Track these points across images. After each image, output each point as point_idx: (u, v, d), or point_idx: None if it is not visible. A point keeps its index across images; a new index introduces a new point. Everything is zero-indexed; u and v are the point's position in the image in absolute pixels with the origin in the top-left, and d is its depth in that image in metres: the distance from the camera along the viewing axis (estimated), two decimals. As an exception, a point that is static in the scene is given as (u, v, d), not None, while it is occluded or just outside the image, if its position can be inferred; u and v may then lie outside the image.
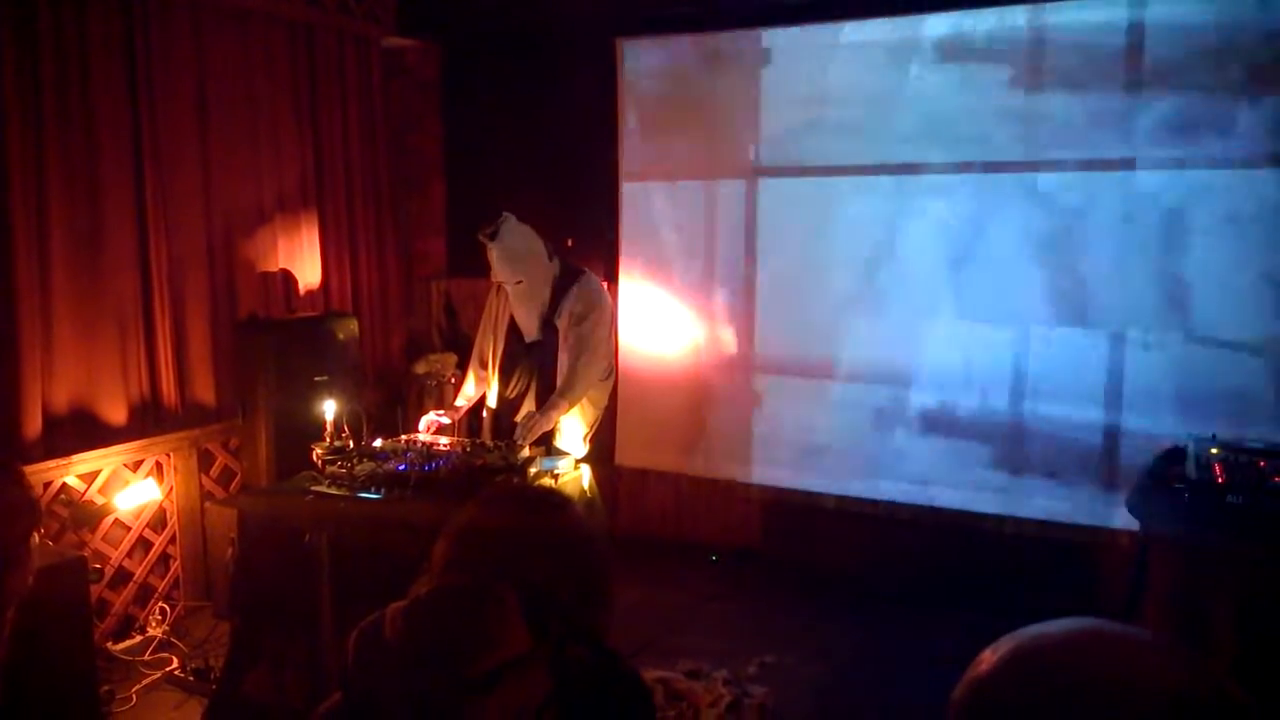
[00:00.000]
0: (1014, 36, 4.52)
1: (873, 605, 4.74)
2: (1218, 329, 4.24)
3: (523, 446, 3.77)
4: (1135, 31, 4.28)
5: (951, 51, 4.66)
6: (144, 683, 3.99)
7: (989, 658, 0.86)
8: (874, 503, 5.00)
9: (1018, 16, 4.51)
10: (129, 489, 4.32)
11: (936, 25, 4.69)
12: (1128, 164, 4.35)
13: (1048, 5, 4.43)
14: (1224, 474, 3.01)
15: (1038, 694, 0.81)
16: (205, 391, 4.71)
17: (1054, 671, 0.82)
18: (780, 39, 5.03)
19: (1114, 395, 4.45)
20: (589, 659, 1.26)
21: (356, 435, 3.80)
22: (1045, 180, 4.50)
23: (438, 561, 1.34)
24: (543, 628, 1.21)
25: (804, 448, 5.14)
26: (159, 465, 4.50)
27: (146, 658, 4.19)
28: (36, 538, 1.78)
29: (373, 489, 3.45)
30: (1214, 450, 3.20)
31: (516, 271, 4.09)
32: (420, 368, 5.61)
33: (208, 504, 4.64)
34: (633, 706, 1.32)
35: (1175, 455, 3.35)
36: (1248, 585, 2.87)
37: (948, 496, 4.81)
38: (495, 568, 1.28)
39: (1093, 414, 4.49)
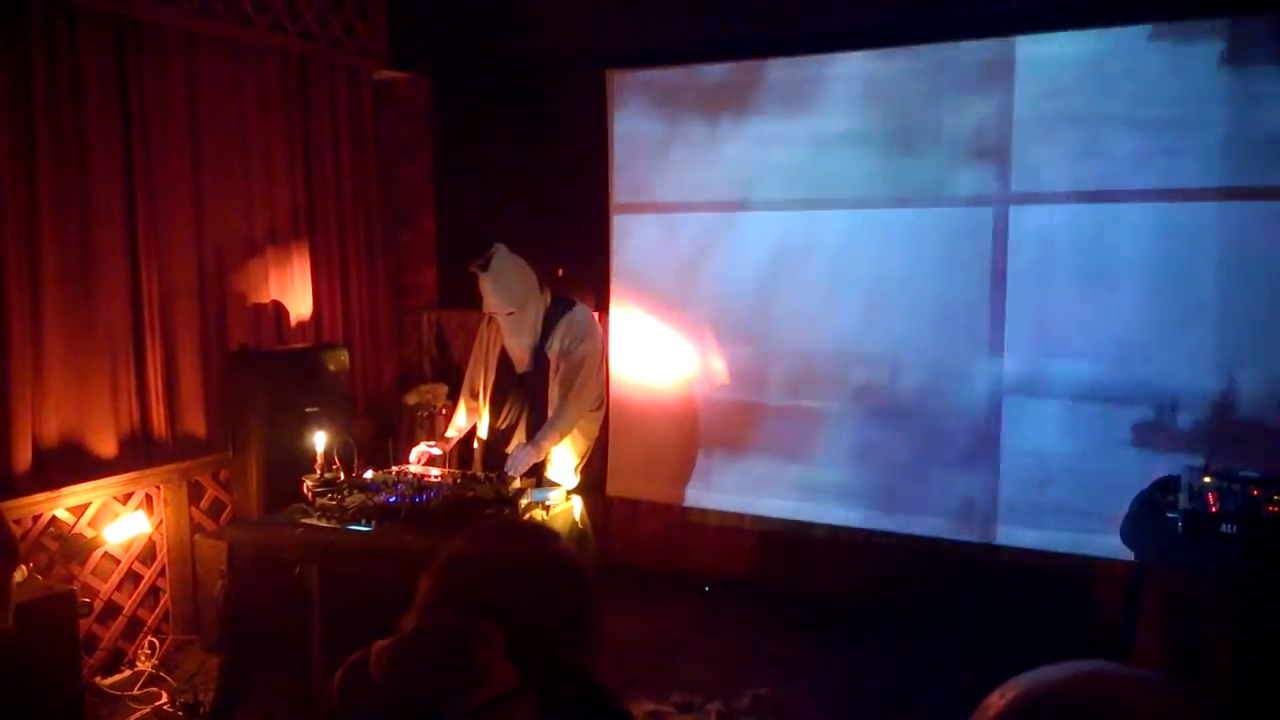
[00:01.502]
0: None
1: (868, 636, 4.71)
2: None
3: (514, 478, 3.76)
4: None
5: (948, 78, 4.70)
6: (133, 718, 3.95)
7: (996, 702, 0.86)
8: (868, 532, 4.99)
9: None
10: (119, 522, 4.29)
11: (927, 54, 4.74)
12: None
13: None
14: (1217, 503, 3.01)
15: None
16: (196, 423, 4.69)
17: (1062, 715, 0.82)
18: (771, 71, 5.07)
19: (1106, 422, 4.46)
20: (577, 696, 1.25)
21: (347, 467, 3.79)
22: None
23: (423, 598, 1.33)
24: (530, 665, 1.20)
25: (798, 477, 5.13)
26: (149, 498, 4.47)
27: (135, 692, 4.15)
28: (18, 576, 1.76)
29: (363, 521, 3.44)
30: (1207, 479, 3.20)
31: (508, 302, 4.10)
32: (411, 399, 5.60)
33: (198, 537, 4.60)
34: None
35: (1168, 484, 3.36)
36: (1242, 614, 2.87)
37: (943, 526, 4.80)
38: (482, 604, 1.27)
39: (1086, 441, 4.50)
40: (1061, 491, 4.54)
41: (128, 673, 4.30)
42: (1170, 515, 3.07)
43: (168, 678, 4.26)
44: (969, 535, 4.75)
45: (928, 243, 4.79)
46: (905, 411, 4.88)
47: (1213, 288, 4.25)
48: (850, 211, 4.96)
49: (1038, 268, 4.57)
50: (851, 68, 4.90)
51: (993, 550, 4.70)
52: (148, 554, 4.48)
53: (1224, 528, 2.94)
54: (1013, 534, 4.65)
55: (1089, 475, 4.47)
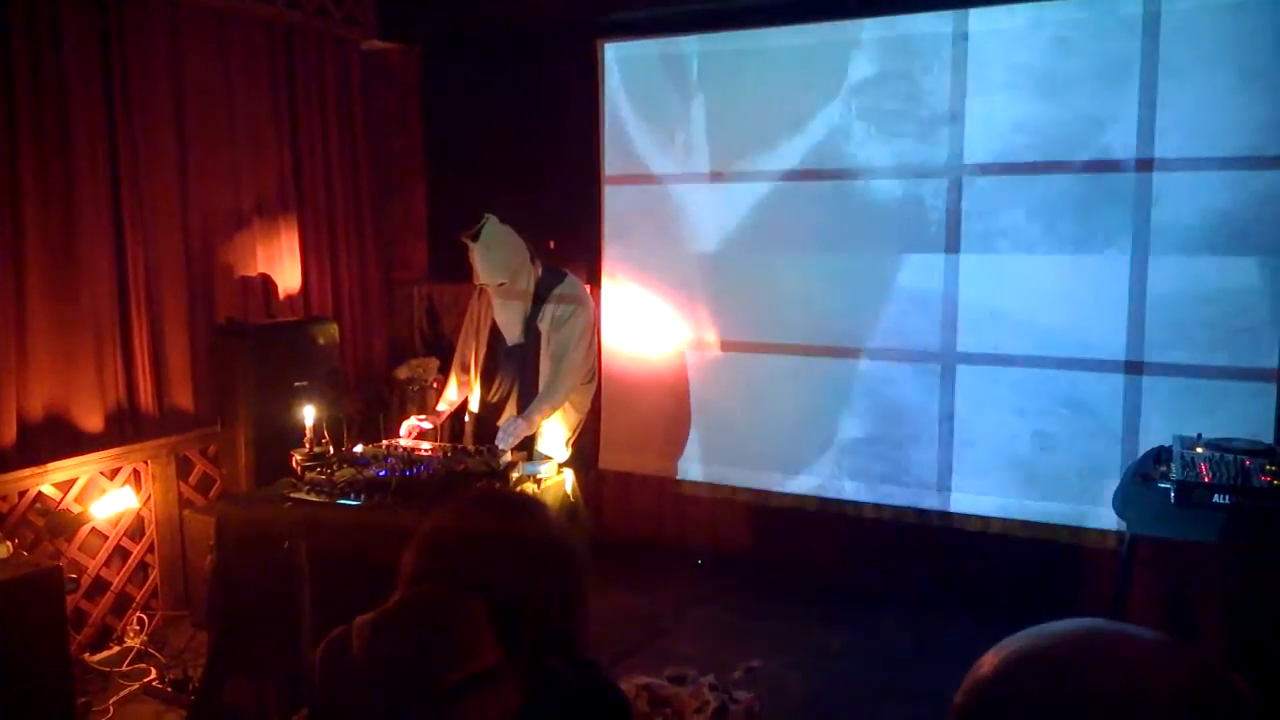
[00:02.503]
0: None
1: (859, 608, 4.72)
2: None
3: (504, 451, 3.74)
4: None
5: (925, 50, 4.66)
6: (122, 694, 3.93)
7: (991, 660, 0.85)
8: (860, 505, 4.99)
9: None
10: (106, 497, 4.26)
11: (912, 23, 4.70)
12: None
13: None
14: (1209, 473, 3.00)
15: (1043, 695, 0.80)
16: (183, 398, 4.66)
17: (1059, 672, 0.81)
18: (761, 40, 5.02)
19: (1101, 398, 4.45)
20: (563, 670, 1.22)
21: (337, 441, 3.76)
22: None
23: (406, 571, 1.30)
24: (514, 638, 1.18)
25: (790, 451, 5.12)
26: (136, 473, 4.44)
27: (124, 668, 4.13)
28: (1, 552, 1.74)
29: (353, 495, 3.41)
30: (1199, 449, 3.19)
31: (498, 273, 4.07)
32: (402, 373, 5.57)
33: (186, 512, 4.58)
34: (608, 718, 1.27)
35: (1160, 455, 3.35)
36: (1234, 584, 2.86)
37: (935, 499, 4.80)
38: (465, 577, 1.24)
39: (1080, 415, 4.49)
40: (1036, 460, 4.56)
41: (116, 649, 4.29)
42: (1162, 485, 3.07)
43: (157, 654, 4.24)
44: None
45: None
46: (876, 383, 4.91)
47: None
48: (828, 183, 4.95)
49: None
50: (824, 37, 4.89)
51: (986, 521, 4.70)
52: (136, 529, 4.46)
53: (1216, 498, 2.93)
54: (1006, 505, 4.65)
55: (1064, 445, 4.50)
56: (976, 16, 4.56)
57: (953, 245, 4.68)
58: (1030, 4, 4.45)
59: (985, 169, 4.61)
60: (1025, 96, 4.49)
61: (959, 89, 4.61)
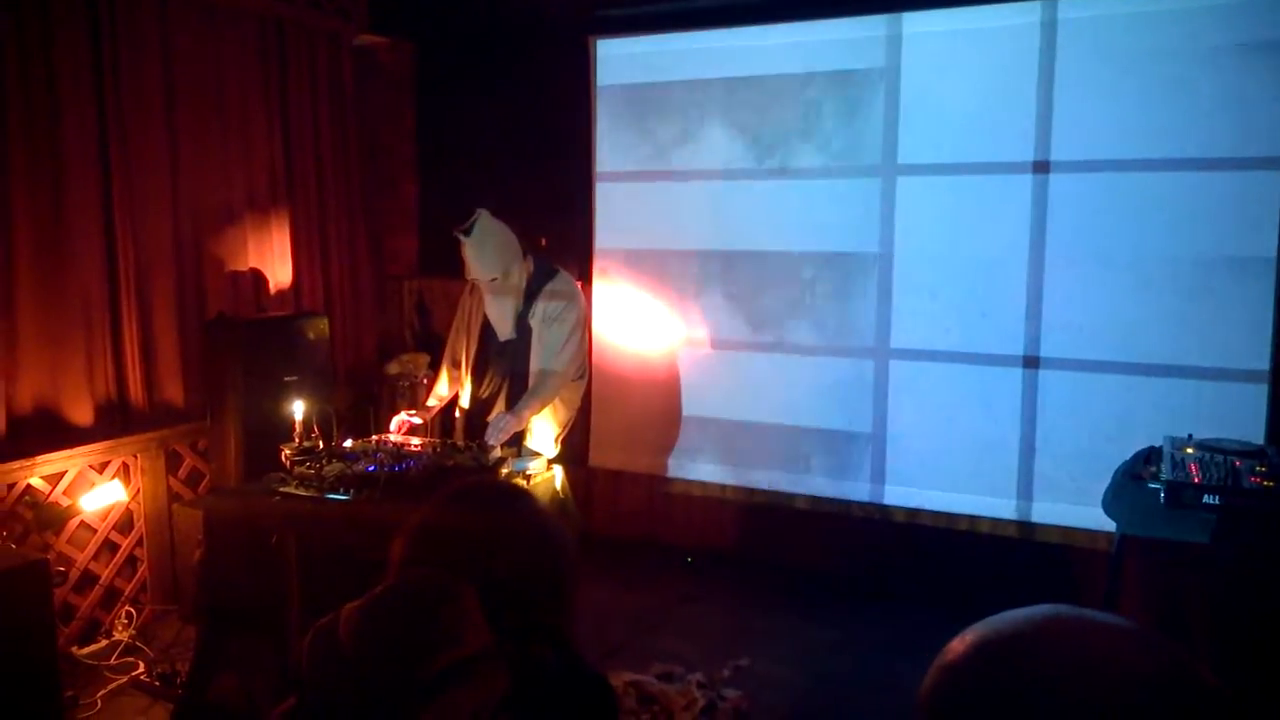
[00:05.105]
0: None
1: (848, 607, 4.72)
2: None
3: (494, 447, 3.73)
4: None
5: (925, 48, 4.66)
6: (109, 688, 3.91)
7: (958, 646, 0.85)
8: (849, 503, 4.98)
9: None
10: (95, 490, 4.24)
11: (916, 22, 4.70)
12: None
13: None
14: (1199, 473, 3.00)
15: (1008, 679, 0.80)
16: (173, 392, 4.64)
17: (1024, 656, 0.81)
18: (753, 39, 5.02)
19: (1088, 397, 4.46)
20: (551, 659, 1.22)
21: (326, 436, 3.75)
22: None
23: (395, 560, 1.30)
24: (503, 624, 1.17)
25: (779, 449, 5.12)
26: (125, 466, 4.42)
27: (112, 662, 4.12)
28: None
29: (341, 490, 3.40)
30: (1189, 450, 3.19)
31: (490, 268, 4.06)
32: (392, 368, 5.56)
33: (175, 506, 4.56)
34: (595, 708, 1.27)
35: (1151, 455, 3.35)
36: (1223, 585, 2.86)
37: (924, 498, 4.80)
38: (453, 564, 1.24)
39: (1069, 415, 4.50)
40: (1038, 463, 4.56)
41: (104, 643, 4.27)
42: (1152, 486, 3.06)
43: (145, 648, 4.23)
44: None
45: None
46: (868, 381, 4.91)
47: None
48: (819, 182, 4.97)
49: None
50: (811, 36, 4.90)
51: (975, 520, 4.70)
52: (125, 523, 4.44)
53: (1206, 499, 2.93)
54: (995, 505, 4.66)
55: (1069, 446, 4.50)
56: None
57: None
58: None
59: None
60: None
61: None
